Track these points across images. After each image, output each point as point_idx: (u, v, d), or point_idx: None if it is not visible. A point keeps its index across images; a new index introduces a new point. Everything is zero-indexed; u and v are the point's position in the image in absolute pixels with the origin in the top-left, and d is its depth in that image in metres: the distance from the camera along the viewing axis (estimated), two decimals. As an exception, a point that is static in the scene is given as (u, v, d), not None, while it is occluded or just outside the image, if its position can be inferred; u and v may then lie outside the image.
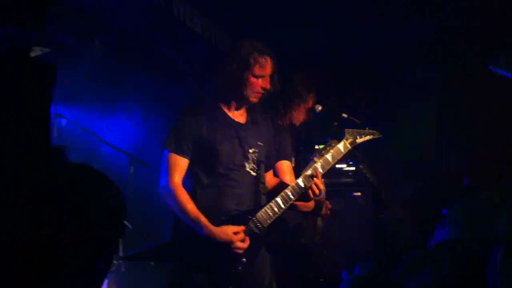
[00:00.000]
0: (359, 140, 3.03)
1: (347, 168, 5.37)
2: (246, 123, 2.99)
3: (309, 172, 2.85)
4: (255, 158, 2.92)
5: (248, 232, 2.73)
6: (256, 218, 2.76)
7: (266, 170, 3.06)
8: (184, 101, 5.73)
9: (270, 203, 2.79)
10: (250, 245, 2.72)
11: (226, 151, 2.84)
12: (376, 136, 3.15)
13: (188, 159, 2.82)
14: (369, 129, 3.14)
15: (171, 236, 2.90)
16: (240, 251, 2.69)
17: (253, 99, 2.88)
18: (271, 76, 2.88)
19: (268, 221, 2.77)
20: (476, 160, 5.36)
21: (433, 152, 5.27)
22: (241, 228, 2.71)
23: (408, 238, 4.92)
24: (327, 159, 2.93)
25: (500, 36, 4.18)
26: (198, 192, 2.80)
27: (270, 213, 2.78)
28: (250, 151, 2.92)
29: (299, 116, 3.72)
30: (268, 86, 2.86)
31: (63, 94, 4.31)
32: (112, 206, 1.09)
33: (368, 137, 3.09)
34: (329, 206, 3.83)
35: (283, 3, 4.11)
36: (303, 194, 2.86)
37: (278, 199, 2.80)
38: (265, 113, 3.10)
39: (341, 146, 2.97)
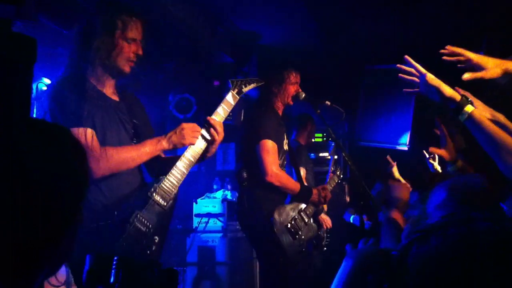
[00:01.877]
0: (245, 89, 2.89)
1: (330, 157, 5.45)
2: (120, 101, 2.63)
3: (203, 131, 2.65)
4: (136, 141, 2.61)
5: (153, 205, 2.45)
6: (162, 189, 2.46)
7: None
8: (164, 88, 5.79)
9: (172, 171, 2.51)
10: (157, 222, 2.46)
11: (114, 139, 2.49)
12: (259, 83, 3.03)
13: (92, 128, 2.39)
14: (251, 78, 3.01)
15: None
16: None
17: (126, 68, 2.51)
18: (141, 40, 2.55)
19: (174, 190, 2.51)
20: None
21: (411, 142, 5.31)
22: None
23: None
24: (219, 113, 2.75)
25: (481, 33, 4.23)
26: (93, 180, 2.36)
27: (175, 182, 2.51)
28: (133, 129, 2.63)
29: (283, 100, 3.71)
30: (140, 51, 2.53)
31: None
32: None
33: (252, 85, 2.95)
34: (324, 194, 3.79)
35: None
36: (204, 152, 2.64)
37: (179, 164, 2.53)
38: (129, 87, 2.72)
39: (230, 97, 2.81)
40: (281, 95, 3.70)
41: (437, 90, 2.02)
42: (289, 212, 3.60)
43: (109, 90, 2.57)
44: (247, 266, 5.13)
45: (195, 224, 5.28)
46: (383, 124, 5.31)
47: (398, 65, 2.22)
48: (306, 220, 3.70)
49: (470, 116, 1.93)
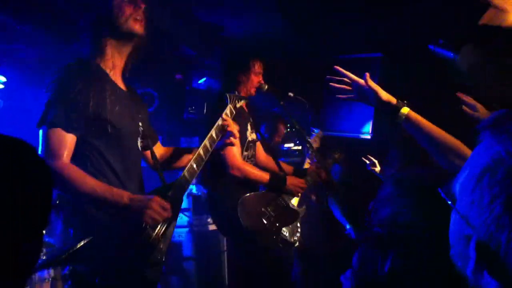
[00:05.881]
0: (238, 104, 2.98)
1: (294, 148, 5.45)
2: (127, 90, 2.59)
3: (218, 123, 2.73)
4: (142, 133, 2.62)
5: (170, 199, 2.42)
6: (170, 198, 2.43)
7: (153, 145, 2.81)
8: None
9: (179, 179, 2.50)
10: (166, 225, 2.45)
11: (124, 128, 2.46)
12: (247, 100, 3.23)
13: (77, 136, 2.33)
14: (242, 95, 3.16)
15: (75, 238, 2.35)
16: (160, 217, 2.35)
17: (136, 26, 2.45)
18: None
19: (181, 197, 2.52)
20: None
21: (373, 130, 5.37)
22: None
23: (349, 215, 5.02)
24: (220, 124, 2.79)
25: (441, 17, 4.28)
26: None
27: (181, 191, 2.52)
28: (140, 124, 2.60)
29: (246, 91, 3.66)
30: (142, 4, 2.47)
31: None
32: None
33: (242, 101, 3.07)
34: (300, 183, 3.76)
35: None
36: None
37: (186, 173, 2.52)
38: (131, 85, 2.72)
39: (228, 111, 2.85)
40: (244, 86, 3.65)
41: (375, 94, 2.12)
42: (261, 200, 3.55)
43: (117, 76, 2.53)
44: (215, 260, 5.11)
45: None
46: (346, 114, 5.37)
47: (328, 76, 2.34)
48: (282, 208, 3.64)
49: (407, 117, 2.02)
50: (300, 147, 5.44)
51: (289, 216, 3.70)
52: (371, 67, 5.01)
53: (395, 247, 1.18)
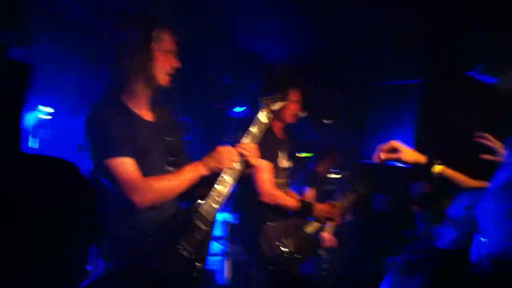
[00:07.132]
0: (273, 107, 2.85)
1: (331, 176, 5.39)
2: (155, 120, 2.58)
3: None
4: (173, 159, 2.61)
5: (194, 230, 2.44)
6: (201, 214, 2.46)
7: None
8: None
9: (211, 193, 2.49)
10: (200, 243, 2.46)
11: (150, 164, 2.45)
12: (284, 101, 3.04)
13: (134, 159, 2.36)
14: (278, 96, 2.94)
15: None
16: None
17: (164, 80, 2.47)
18: (176, 53, 2.50)
19: (214, 212, 2.49)
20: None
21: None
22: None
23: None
24: (253, 133, 2.69)
25: (479, 40, 4.22)
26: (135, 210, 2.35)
27: (214, 205, 2.49)
28: (167, 154, 2.61)
29: (283, 118, 3.65)
30: (176, 63, 2.47)
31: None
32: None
33: (279, 103, 2.91)
34: (330, 211, 3.72)
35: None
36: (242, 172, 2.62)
37: (217, 187, 2.51)
38: (165, 107, 2.68)
39: (262, 117, 2.74)
40: (281, 113, 3.64)
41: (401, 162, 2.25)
42: (283, 228, 3.54)
43: (143, 109, 2.53)
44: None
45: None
46: (386, 141, 5.31)
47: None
48: (304, 237, 3.64)
49: (441, 175, 2.18)
50: (337, 176, 5.34)
51: (310, 247, 3.71)
52: (410, 94, 4.95)
53: (423, 270, 1.17)
